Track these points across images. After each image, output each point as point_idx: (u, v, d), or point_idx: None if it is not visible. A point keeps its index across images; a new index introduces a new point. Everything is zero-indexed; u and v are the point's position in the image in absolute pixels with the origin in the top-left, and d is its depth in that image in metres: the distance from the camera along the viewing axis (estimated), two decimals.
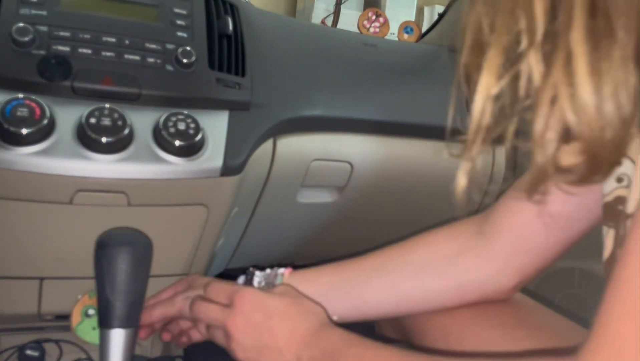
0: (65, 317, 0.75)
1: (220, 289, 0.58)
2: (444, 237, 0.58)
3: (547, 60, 0.29)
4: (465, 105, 0.39)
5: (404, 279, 0.56)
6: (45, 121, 0.57)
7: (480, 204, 1.07)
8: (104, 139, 0.59)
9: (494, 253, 0.54)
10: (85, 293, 0.65)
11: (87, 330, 0.64)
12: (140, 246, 0.60)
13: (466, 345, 0.54)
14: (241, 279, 0.62)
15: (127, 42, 0.65)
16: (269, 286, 0.59)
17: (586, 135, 0.29)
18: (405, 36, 1.64)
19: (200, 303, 0.59)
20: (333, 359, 0.48)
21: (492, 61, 0.32)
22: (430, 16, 3.31)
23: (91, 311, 0.64)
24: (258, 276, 0.62)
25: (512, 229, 0.53)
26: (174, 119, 0.63)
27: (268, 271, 0.61)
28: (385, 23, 1.69)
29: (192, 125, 0.63)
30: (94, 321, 0.63)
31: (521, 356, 0.43)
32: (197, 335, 0.67)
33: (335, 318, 0.56)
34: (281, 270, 0.61)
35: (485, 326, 0.55)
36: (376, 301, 0.57)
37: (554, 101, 0.29)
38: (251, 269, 0.63)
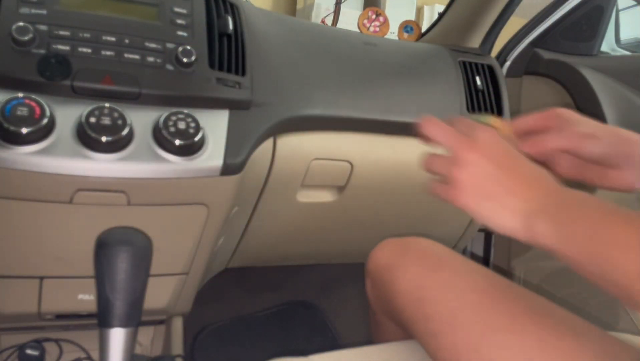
0: (65, 316, 0.75)
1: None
2: None
3: None
4: None
5: None
6: (45, 120, 0.57)
7: None
8: (104, 139, 0.59)
9: None
10: None
11: None
12: (140, 246, 0.60)
13: (473, 329, 0.54)
14: None
15: (127, 41, 0.65)
16: None
17: None
18: (405, 35, 1.64)
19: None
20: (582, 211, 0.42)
21: None
22: (430, 15, 3.32)
23: None
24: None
25: None
26: (174, 118, 0.63)
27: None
28: (385, 22, 1.69)
29: (192, 124, 0.63)
30: None
31: None
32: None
33: None
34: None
35: (491, 311, 0.55)
36: None
37: None
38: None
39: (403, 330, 0.67)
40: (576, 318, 0.54)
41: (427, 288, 0.61)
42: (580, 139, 0.53)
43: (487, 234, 1.36)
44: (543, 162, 0.57)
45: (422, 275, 0.63)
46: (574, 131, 0.54)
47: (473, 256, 1.38)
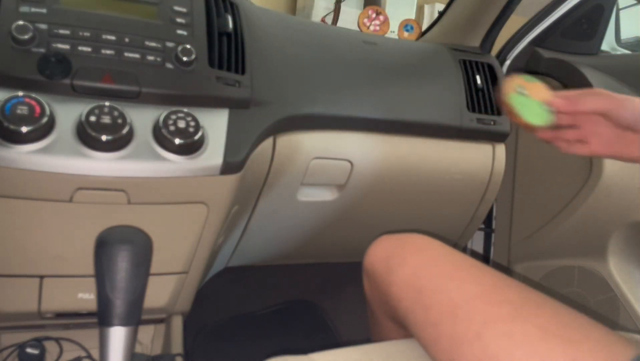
0: (65, 315, 0.75)
1: None
2: None
3: None
4: None
5: None
6: (45, 119, 0.57)
7: (480, 201, 1.07)
8: (103, 137, 0.59)
9: None
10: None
11: (520, 101, 0.57)
12: (140, 245, 0.60)
13: (475, 319, 0.54)
14: None
15: (126, 40, 0.65)
16: None
17: None
18: (406, 34, 1.64)
19: None
20: None
21: None
22: (430, 14, 3.31)
23: (525, 92, 0.58)
24: None
25: None
26: (173, 117, 0.63)
27: None
28: (386, 21, 1.69)
29: (192, 123, 0.63)
30: (527, 100, 0.57)
31: None
32: (583, 149, 0.59)
33: None
34: None
35: (493, 302, 0.55)
36: None
37: None
38: None
39: (401, 327, 0.67)
40: (577, 313, 0.54)
41: (426, 279, 0.61)
42: (619, 101, 0.53)
43: (487, 233, 1.36)
44: (580, 138, 0.57)
45: (421, 266, 0.63)
46: (611, 94, 0.53)
47: (473, 255, 1.38)
